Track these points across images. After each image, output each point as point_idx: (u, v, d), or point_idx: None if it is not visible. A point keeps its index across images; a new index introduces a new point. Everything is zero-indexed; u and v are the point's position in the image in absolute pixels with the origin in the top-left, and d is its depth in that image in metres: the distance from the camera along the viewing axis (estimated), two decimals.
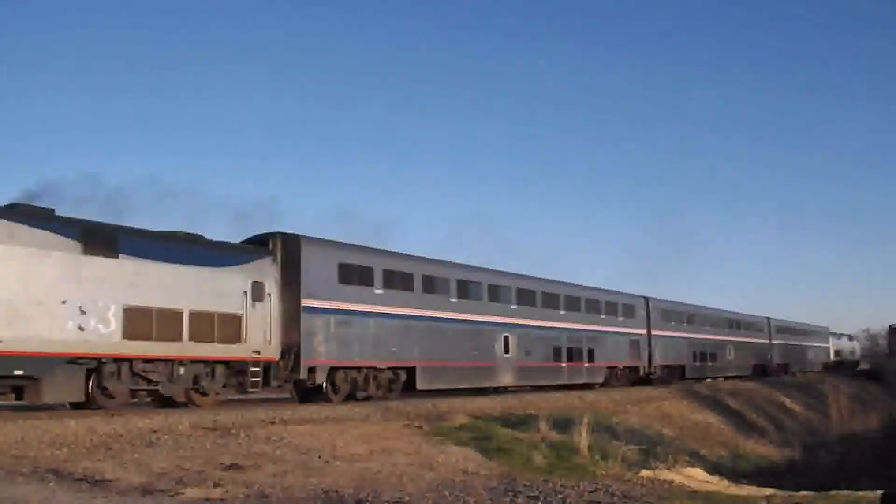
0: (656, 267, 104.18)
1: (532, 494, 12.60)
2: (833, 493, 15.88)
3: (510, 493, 12.60)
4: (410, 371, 25.34)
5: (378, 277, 24.65)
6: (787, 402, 42.88)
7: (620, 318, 39.14)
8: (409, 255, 27.48)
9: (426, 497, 11.79)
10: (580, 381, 34.44)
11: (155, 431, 14.16)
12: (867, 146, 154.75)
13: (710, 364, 48.73)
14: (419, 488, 12.46)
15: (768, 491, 16.66)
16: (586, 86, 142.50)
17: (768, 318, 60.69)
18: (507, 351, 30.01)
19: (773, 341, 60.37)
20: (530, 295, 32.55)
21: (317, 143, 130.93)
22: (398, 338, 24.89)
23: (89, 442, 12.93)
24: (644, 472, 16.53)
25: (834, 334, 77.77)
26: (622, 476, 15.77)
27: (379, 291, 24.57)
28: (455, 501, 11.73)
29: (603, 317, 37.57)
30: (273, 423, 16.26)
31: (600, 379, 36.32)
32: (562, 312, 34.22)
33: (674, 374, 43.61)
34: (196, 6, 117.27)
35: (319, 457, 14.03)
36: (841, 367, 73.16)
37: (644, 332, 41.35)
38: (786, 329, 64.29)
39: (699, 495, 14.74)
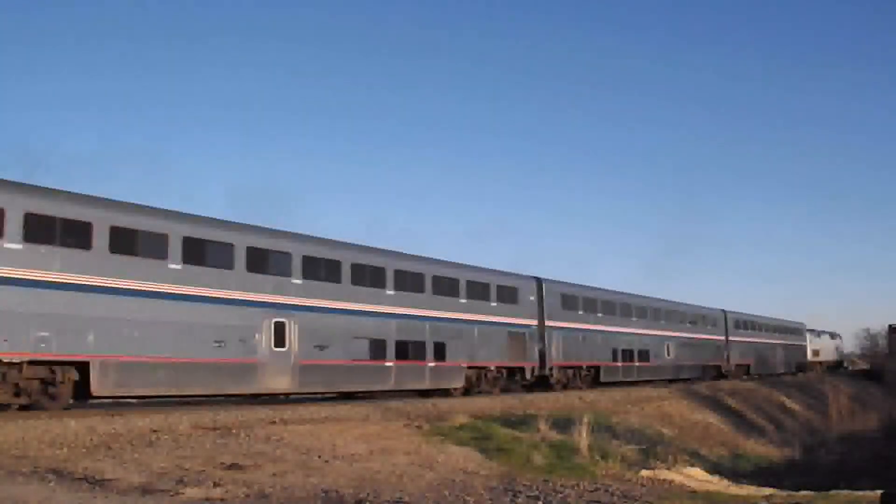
0: (665, 266, 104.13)
1: (532, 494, 12.60)
2: (833, 493, 15.90)
3: (510, 493, 12.60)
4: (82, 368, 17.17)
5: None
6: (787, 401, 42.90)
7: (494, 304, 30.05)
8: (91, 197, 18.53)
9: (426, 497, 11.79)
10: (420, 387, 26.10)
11: (155, 431, 14.16)
12: (869, 146, 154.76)
13: (638, 365, 40.04)
14: (419, 488, 12.47)
15: (768, 491, 16.67)
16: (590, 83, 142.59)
17: (724, 311, 52.48)
18: (280, 343, 21.38)
19: (731, 338, 52.22)
20: (331, 266, 23.55)
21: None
22: (57, 320, 16.68)
23: (89, 442, 12.93)
24: (644, 472, 16.54)
25: (813, 331, 71.44)
26: (622, 476, 15.78)
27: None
28: (455, 501, 11.73)
29: (464, 301, 28.45)
30: (273, 422, 16.25)
31: (458, 383, 27.51)
32: (390, 293, 25.21)
33: (584, 377, 35.48)
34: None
35: (319, 456, 14.02)
36: (822, 368, 68.59)
37: (534, 322, 32.31)
38: (748, 324, 56.31)
39: (699, 495, 14.75)
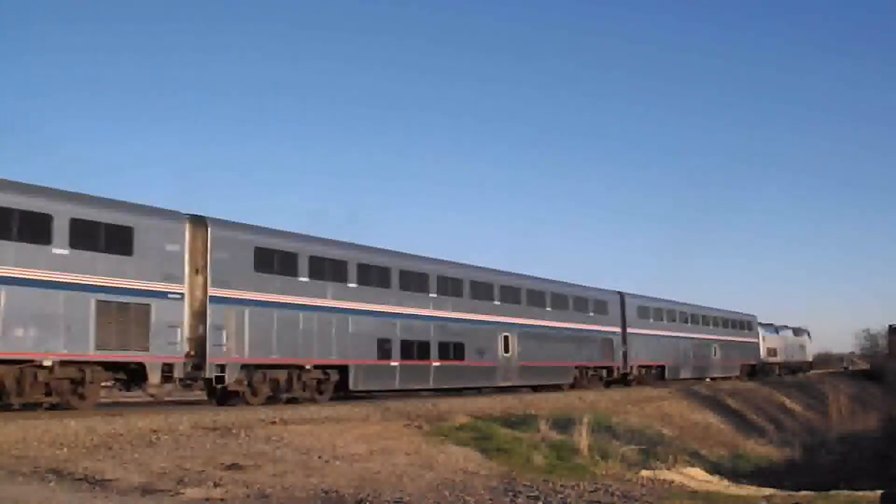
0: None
1: (532, 494, 12.61)
2: (833, 493, 15.90)
3: (510, 493, 12.61)
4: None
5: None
6: (787, 402, 42.90)
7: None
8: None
9: (426, 497, 11.80)
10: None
11: (155, 431, 14.16)
12: (869, 145, 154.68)
13: (457, 364, 27.30)
14: (419, 488, 12.47)
15: (768, 491, 16.68)
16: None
17: (621, 294, 39.10)
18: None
19: (631, 330, 38.91)
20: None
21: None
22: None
23: (89, 442, 12.92)
24: (644, 472, 16.55)
25: (769, 326, 58.58)
26: (622, 476, 15.78)
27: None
28: (455, 501, 11.74)
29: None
30: (273, 423, 16.24)
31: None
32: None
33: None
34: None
35: (319, 457, 14.03)
36: (781, 371, 58.32)
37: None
38: (659, 312, 42.27)
39: (699, 495, 14.76)
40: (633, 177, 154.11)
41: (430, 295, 26.37)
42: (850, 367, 78.07)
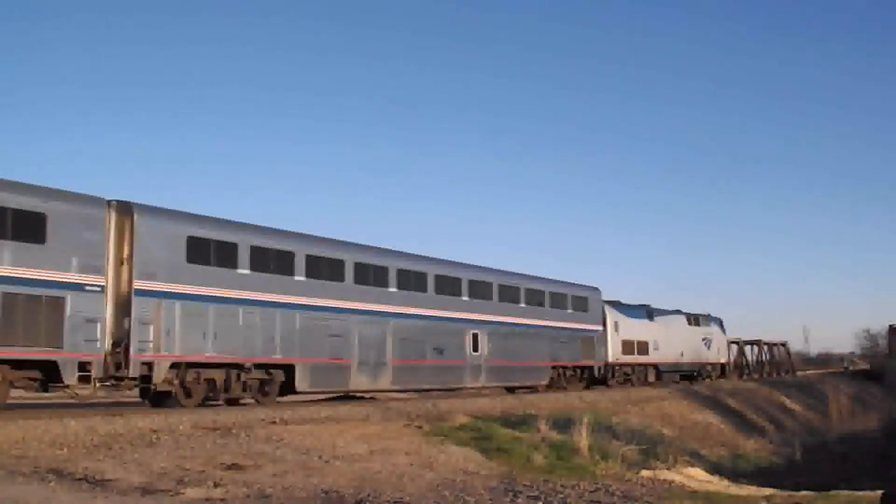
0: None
1: (532, 494, 12.61)
2: (833, 493, 15.91)
3: (510, 493, 12.61)
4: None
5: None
6: (787, 402, 42.89)
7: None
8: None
9: (426, 497, 11.80)
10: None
11: (155, 431, 14.15)
12: (870, 143, 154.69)
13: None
14: (419, 488, 12.47)
15: (768, 491, 16.69)
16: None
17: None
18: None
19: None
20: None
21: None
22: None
23: (90, 442, 12.92)
24: (644, 472, 16.55)
25: (626, 308, 39.02)
26: (622, 476, 15.77)
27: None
28: (455, 501, 11.74)
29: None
30: (273, 422, 16.25)
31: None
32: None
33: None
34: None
35: (320, 457, 14.02)
36: (657, 379, 39.70)
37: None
38: (384, 272, 25.45)
39: (699, 495, 14.76)
40: (636, 173, 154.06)
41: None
42: (851, 368, 77.95)
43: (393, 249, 26.03)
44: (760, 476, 21.41)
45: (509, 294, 30.15)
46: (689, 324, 45.27)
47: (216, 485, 11.05)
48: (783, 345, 64.26)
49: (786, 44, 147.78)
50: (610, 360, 36.45)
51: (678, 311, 44.71)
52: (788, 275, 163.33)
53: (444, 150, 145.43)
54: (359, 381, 23.01)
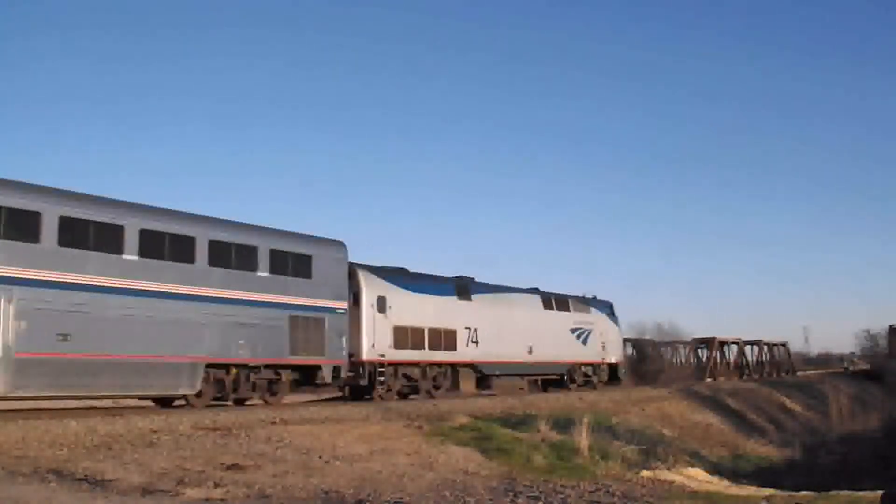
0: None
1: (532, 494, 12.62)
2: (833, 493, 15.91)
3: (510, 493, 12.62)
4: None
5: None
6: (787, 402, 42.88)
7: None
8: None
9: (427, 497, 11.81)
10: None
11: (155, 431, 14.15)
12: (868, 144, 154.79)
13: None
14: (419, 488, 12.48)
15: (768, 491, 16.68)
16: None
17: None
18: None
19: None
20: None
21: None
22: None
23: (90, 442, 12.92)
24: (644, 473, 16.56)
25: (409, 274, 26.04)
26: (622, 476, 15.79)
27: None
28: (455, 501, 11.75)
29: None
30: (274, 423, 16.25)
31: None
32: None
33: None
34: None
35: (320, 457, 14.03)
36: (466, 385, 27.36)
37: None
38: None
39: (699, 495, 14.77)
40: (632, 179, 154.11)
41: None
42: (851, 368, 77.99)
43: None
44: (760, 476, 21.40)
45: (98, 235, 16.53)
46: (548, 307, 31.92)
47: (216, 485, 11.06)
48: (783, 345, 64.53)
49: (780, 49, 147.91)
50: (365, 357, 22.95)
51: (534, 290, 32.18)
52: (788, 275, 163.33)
53: (442, 153, 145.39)
54: None
